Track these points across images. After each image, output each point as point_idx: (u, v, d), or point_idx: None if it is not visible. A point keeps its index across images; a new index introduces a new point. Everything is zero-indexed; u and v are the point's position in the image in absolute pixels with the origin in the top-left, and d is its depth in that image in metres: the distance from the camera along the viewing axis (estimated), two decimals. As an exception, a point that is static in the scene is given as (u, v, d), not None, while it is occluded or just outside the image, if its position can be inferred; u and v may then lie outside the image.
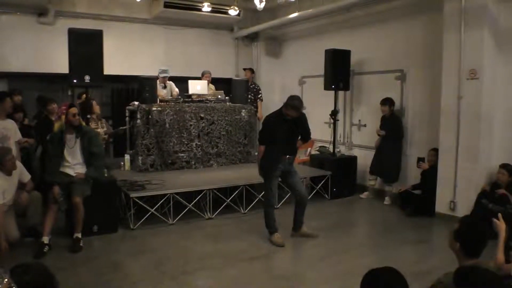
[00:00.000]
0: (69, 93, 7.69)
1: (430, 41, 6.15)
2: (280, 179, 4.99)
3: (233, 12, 7.53)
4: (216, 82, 7.98)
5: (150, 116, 6.16)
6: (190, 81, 6.99)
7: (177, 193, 5.32)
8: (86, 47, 5.06)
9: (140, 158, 6.17)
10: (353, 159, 7.05)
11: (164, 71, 7.10)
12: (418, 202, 5.85)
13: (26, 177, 4.63)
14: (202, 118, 6.56)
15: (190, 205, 5.45)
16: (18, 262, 1.63)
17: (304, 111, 4.80)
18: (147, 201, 5.30)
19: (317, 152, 7.51)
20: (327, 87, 6.86)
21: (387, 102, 6.48)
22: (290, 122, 4.57)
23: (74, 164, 4.67)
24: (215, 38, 9.15)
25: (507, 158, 5.20)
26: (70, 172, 4.64)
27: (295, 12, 7.58)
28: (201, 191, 5.50)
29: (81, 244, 4.45)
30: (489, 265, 2.32)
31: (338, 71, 6.79)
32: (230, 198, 5.77)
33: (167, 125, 6.26)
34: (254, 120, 7.25)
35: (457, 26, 5.32)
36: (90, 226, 4.77)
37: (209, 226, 5.37)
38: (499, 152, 5.36)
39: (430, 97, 6.18)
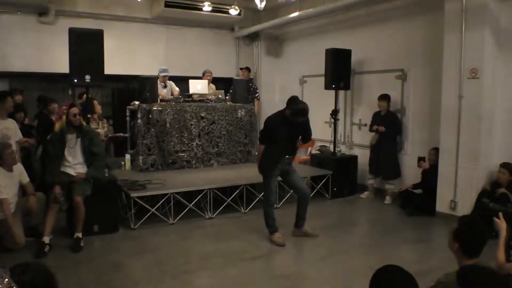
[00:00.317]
0: (70, 92, 7.71)
1: (431, 40, 6.14)
2: (280, 179, 4.99)
3: (233, 11, 7.54)
4: (217, 82, 7.98)
5: (150, 116, 6.16)
6: (190, 81, 6.99)
7: (177, 193, 5.33)
8: (86, 46, 5.06)
9: (140, 157, 6.17)
10: (354, 158, 7.04)
11: (164, 71, 7.10)
12: (419, 201, 5.85)
13: (25, 178, 4.62)
14: (202, 118, 6.56)
15: (191, 205, 5.46)
16: (19, 262, 1.63)
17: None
18: (148, 201, 5.31)
19: (318, 152, 7.51)
20: (327, 86, 6.86)
21: (386, 97, 6.50)
22: (291, 123, 4.56)
23: (74, 164, 4.67)
24: (216, 38, 9.15)
25: (507, 157, 5.19)
26: (71, 172, 4.64)
27: (296, 11, 7.58)
28: (201, 190, 5.50)
29: (81, 244, 4.45)
30: (490, 265, 2.32)
31: (339, 70, 6.79)
32: (230, 198, 5.77)
33: (167, 125, 6.26)
34: (254, 119, 7.25)
35: (457, 26, 5.31)
36: (91, 226, 4.78)
37: (210, 225, 5.38)
38: (500, 152, 5.36)
39: (431, 97, 6.18)
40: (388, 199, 6.47)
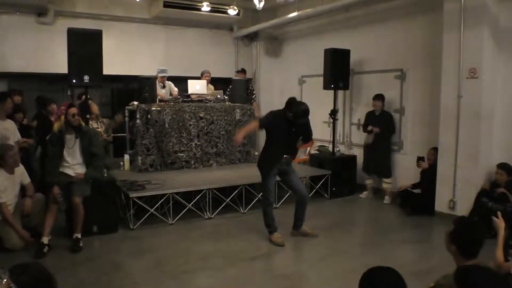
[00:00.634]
0: (69, 93, 7.69)
1: (430, 40, 6.15)
2: (279, 179, 4.99)
3: (232, 11, 7.54)
4: (216, 82, 7.98)
5: (149, 116, 6.15)
6: (189, 81, 6.99)
7: (176, 193, 5.32)
8: (85, 47, 5.05)
9: (139, 158, 6.17)
10: (353, 158, 7.04)
11: (163, 71, 7.09)
12: (418, 201, 5.85)
13: (27, 179, 4.63)
14: (201, 118, 6.56)
15: (190, 205, 5.45)
16: (18, 262, 1.63)
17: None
18: (147, 201, 5.30)
19: (317, 152, 7.51)
20: (326, 86, 6.86)
21: (381, 97, 6.54)
22: (292, 123, 4.56)
23: (73, 164, 4.66)
24: (215, 38, 9.14)
25: (506, 157, 5.20)
26: (70, 172, 4.64)
27: (295, 11, 7.58)
28: (200, 190, 5.50)
29: (81, 244, 4.44)
30: (488, 265, 2.32)
31: (338, 70, 6.79)
32: (229, 198, 5.77)
33: (166, 125, 6.26)
34: (253, 119, 7.23)
35: (457, 26, 5.31)
36: (90, 226, 4.77)
37: (209, 225, 5.37)
38: (499, 151, 5.37)
39: (430, 96, 6.18)
40: (387, 199, 6.48)
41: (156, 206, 5.29)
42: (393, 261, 4.15)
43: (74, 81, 5.09)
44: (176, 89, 7.31)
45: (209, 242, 4.78)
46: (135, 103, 6.39)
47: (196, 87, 6.94)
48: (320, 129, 7.72)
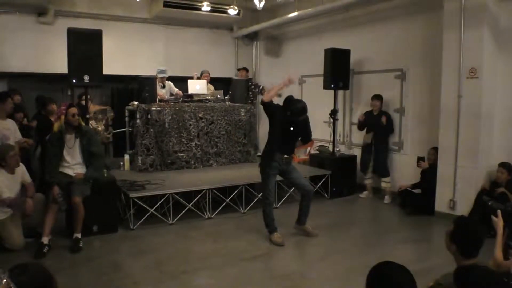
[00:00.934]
0: (69, 93, 7.69)
1: (430, 40, 6.14)
2: (280, 178, 4.99)
3: (232, 11, 7.54)
4: (216, 82, 7.98)
5: (149, 116, 6.15)
6: (189, 81, 6.99)
7: (176, 193, 5.32)
8: (85, 47, 5.05)
9: (139, 158, 6.17)
10: (353, 158, 7.04)
11: (162, 71, 7.08)
12: (418, 201, 5.86)
13: (28, 178, 4.63)
14: (201, 118, 6.56)
15: (190, 205, 5.45)
16: (18, 263, 1.63)
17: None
18: (147, 201, 5.30)
19: (317, 152, 7.51)
20: (326, 86, 6.86)
21: (380, 97, 6.56)
22: (291, 122, 4.57)
23: (73, 164, 4.66)
24: (215, 38, 9.15)
25: (506, 157, 5.19)
26: (70, 172, 4.63)
27: (295, 11, 7.58)
28: (200, 190, 5.50)
29: (81, 244, 4.44)
30: (488, 264, 2.32)
31: (338, 70, 6.78)
32: (229, 198, 5.77)
33: (166, 125, 6.26)
34: (253, 119, 7.24)
35: (457, 25, 5.31)
36: (90, 226, 4.77)
37: (209, 225, 5.37)
38: (499, 151, 5.36)
39: (430, 96, 6.18)
40: (387, 199, 6.48)
41: (156, 206, 5.28)
42: (393, 260, 4.15)
43: (74, 81, 5.08)
44: (176, 89, 7.29)
45: (209, 242, 4.78)
46: (135, 103, 6.39)
47: (196, 87, 6.94)
48: (320, 129, 7.72)
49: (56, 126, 4.66)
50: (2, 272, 1.48)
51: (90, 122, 5.62)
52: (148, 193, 5.18)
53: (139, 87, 6.55)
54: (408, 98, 6.58)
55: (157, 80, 6.91)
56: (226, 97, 7.31)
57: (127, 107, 6.65)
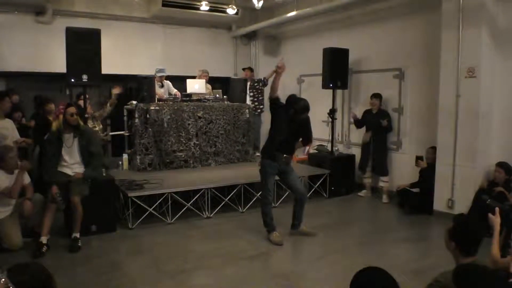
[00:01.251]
0: (67, 92, 7.68)
1: (428, 39, 6.15)
2: (278, 179, 4.98)
3: (231, 11, 7.54)
4: (214, 81, 7.97)
5: (148, 116, 6.15)
6: (188, 80, 6.98)
7: (175, 192, 5.32)
8: (84, 46, 5.03)
9: (138, 157, 6.16)
10: (351, 157, 7.05)
11: (161, 71, 7.07)
12: (417, 200, 5.86)
13: (27, 179, 4.61)
14: (200, 117, 6.56)
15: (189, 204, 5.45)
16: (16, 262, 1.63)
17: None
18: (145, 201, 5.29)
19: (316, 151, 7.51)
20: (325, 85, 6.87)
21: (379, 96, 6.58)
22: (293, 121, 4.56)
23: (72, 163, 4.65)
24: (213, 37, 9.14)
25: (505, 156, 5.20)
26: (68, 171, 4.62)
27: (293, 11, 7.58)
28: (199, 190, 5.50)
29: (79, 244, 4.44)
30: (485, 261, 2.33)
31: (336, 69, 6.79)
32: (228, 197, 5.77)
33: (165, 124, 6.26)
34: (252, 119, 7.24)
35: (455, 25, 5.32)
36: (89, 226, 4.76)
37: (208, 225, 5.37)
38: (497, 150, 5.37)
39: (428, 96, 6.19)
40: (385, 198, 6.48)
41: (155, 205, 5.28)
42: (392, 259, 4.17)
43: (72, 80, 5.07)
44: (175, 90, 7.28)
45: (208, 241, 4.78)
46: (134, 102, 6.38)
47: (195, 86, 6.93)
48: (318, 129, 7.71)
49: (54, 126, 4.64)
50: (1, 272, 1.47)
51: (88, 121, 5.60)
52: (146, 192, 5.18)
53: (137, 87, 6.54)
54: (406, 97, 6.59)
55: (155, 79, 6.90)
56: (224, 96, 7.31)
57: (125, 106, 6.65)
